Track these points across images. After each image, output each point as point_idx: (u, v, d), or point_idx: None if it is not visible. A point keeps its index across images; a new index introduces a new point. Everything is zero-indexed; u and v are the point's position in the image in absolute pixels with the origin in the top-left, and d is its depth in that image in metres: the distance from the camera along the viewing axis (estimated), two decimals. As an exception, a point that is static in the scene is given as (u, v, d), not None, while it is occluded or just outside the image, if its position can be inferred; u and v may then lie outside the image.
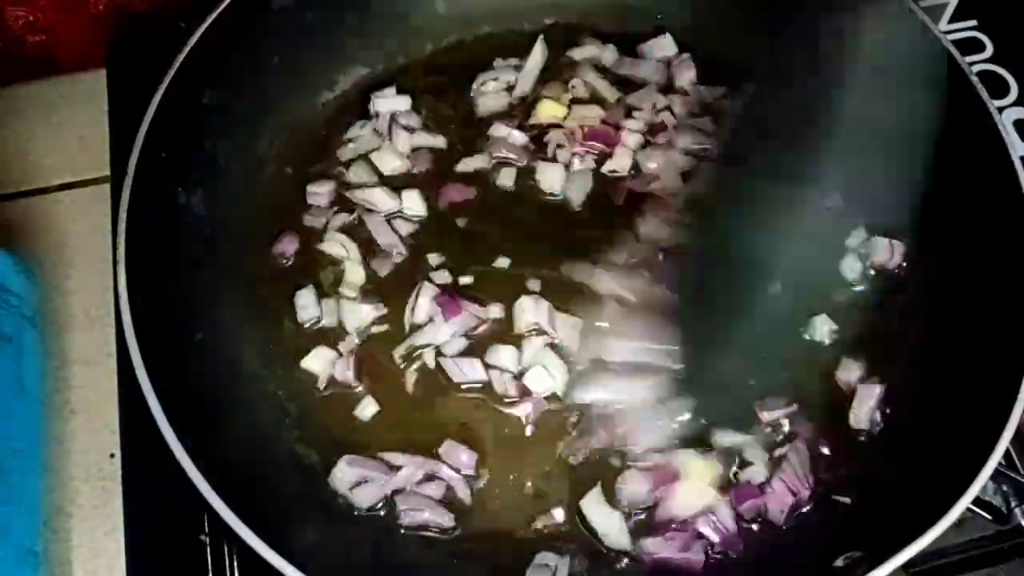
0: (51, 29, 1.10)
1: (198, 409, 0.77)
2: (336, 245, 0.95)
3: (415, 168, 1.00)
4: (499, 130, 1.01)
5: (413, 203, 0.97)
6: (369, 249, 0.95)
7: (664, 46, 1.06)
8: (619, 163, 0.99)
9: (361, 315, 0.90)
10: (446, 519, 0.81)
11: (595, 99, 1.04)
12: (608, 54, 1.06)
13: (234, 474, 0.73)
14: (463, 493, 0.83)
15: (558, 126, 1.02)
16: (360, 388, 0.88)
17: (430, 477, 0.83)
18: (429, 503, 0.82)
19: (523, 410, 0.86)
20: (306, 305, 0.91)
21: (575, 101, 1.04)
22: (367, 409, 0.87)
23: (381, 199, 0.97)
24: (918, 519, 0.70)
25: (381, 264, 0.94)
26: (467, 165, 1.00)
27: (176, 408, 0.72)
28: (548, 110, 1.02)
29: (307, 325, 0.91)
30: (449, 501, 0.83)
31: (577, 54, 1.07)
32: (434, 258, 0.94)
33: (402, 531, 0.81)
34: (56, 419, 0.92)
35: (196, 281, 0.87)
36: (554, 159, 1.00)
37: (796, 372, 0.89)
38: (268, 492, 0.79)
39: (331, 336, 0.91)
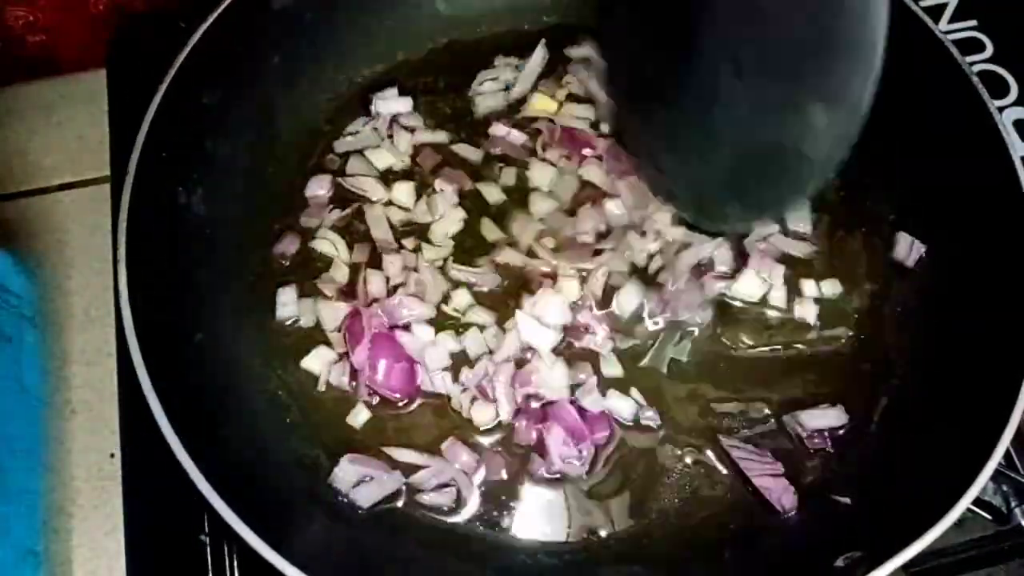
0: (51, 29, 1.10)
1: (198, 409, 0.77)
2: (327, 243, 0.95)
3: (421, 165, 1.00)
4: (498, 129, 1.01)
5: (403, 195, 0.98)
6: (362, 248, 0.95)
7: None
8: (591, 173, 0.99)
9: (338, 314, 0.90)
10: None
11: (589, 98, 1.04)
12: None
13: (234, 474, 0.73)
14: (467, 492, 0.83)
15: (550, 120, 1.02)
16: (355, 391, 0.88)
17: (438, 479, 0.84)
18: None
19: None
20: (286, 303, 0.91)
21: (570, 98, 1.04)
22: (359, 415, 0.87)
23: (373, 187, 0.97)
24: (918, 519, 0.70)
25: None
26: (464, 151, 1.01)
27: (176, 408, 0.72)
28: (540, 103, 1.02)
29: (287, 324, 0.91)
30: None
31: (574, 52, 1.06)
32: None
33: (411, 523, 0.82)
34: (56, 419, 0.92)
35: (196, 281, 0.87)
36: (544, 157, 1.00)
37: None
38: (268, 492, 0.79)
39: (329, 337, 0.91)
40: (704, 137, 0.76)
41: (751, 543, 0.81)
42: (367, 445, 0.85)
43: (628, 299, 0.91)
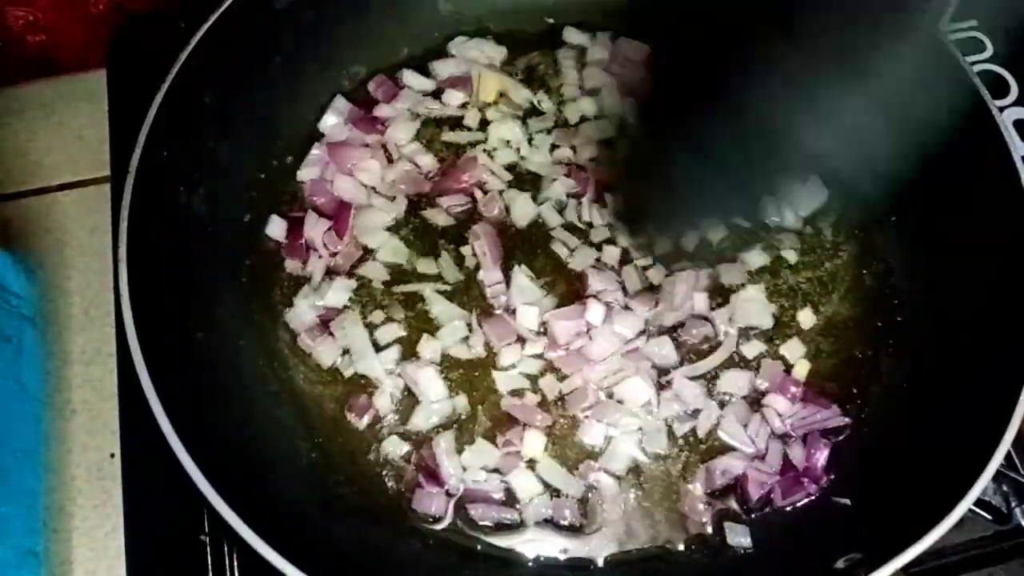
0: (51, 29, 1.10)
1: (198, 409, 0.77)
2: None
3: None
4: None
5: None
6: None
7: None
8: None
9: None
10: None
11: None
12: (598, 51, 1.06)
13: (234, 473, 0.73)
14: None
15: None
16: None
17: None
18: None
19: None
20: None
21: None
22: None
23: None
24: (919, 520, 0.70)
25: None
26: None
27: (176, 408, 0.72)
28: (487, 84, 1.03)
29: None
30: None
31: (572, 37, 1.07)
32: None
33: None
34: (56, 419, 0.92)
35: (197, 280, 0.87)
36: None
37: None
38: (268, 491, 0.79)
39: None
40: None
41: (752, 545, 0.81)
42: (366, 444, 0.85)
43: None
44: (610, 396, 0.87)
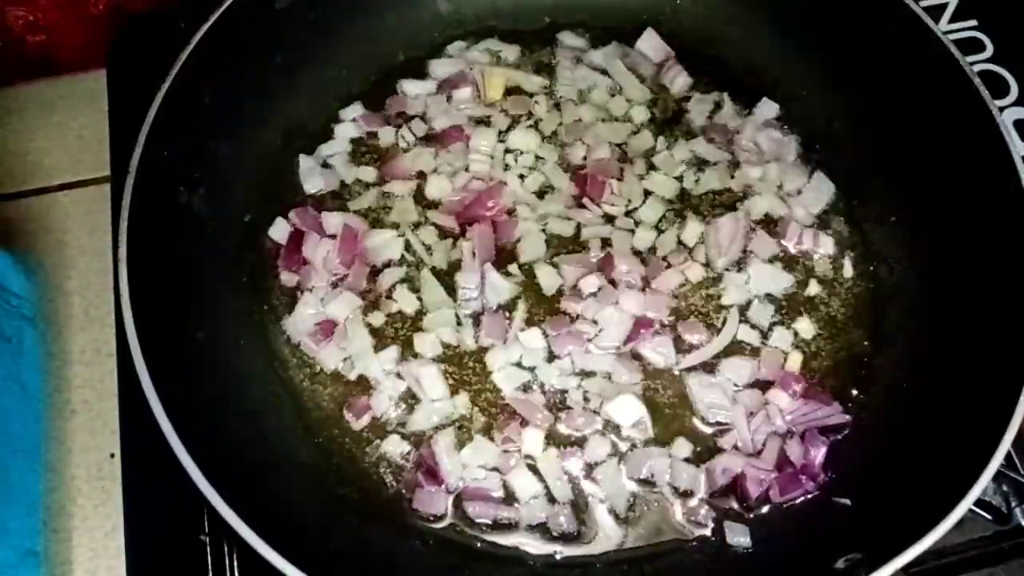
0: (51, 29, 1.10)
1: (198, 409, 0.77)
2: None
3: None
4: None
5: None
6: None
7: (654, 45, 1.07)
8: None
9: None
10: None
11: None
12: (596, 55, 1.07)
13: (234, 473, 0.73)
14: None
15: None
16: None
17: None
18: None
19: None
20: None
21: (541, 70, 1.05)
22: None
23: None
24: (919, 521, 0.70)
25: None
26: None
27: (176, 407, 0.72)
28: (493, 79, 1.03)
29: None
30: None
31: (567, 39, 1.07)
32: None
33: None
34: (56, 419, 0.92)
35: (197, 280, 0.87)
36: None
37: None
38: (268, 491, 0.79)
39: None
40: None
41: (752, 544, 0.81)
42: (366, 443, 0.86)
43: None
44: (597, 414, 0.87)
